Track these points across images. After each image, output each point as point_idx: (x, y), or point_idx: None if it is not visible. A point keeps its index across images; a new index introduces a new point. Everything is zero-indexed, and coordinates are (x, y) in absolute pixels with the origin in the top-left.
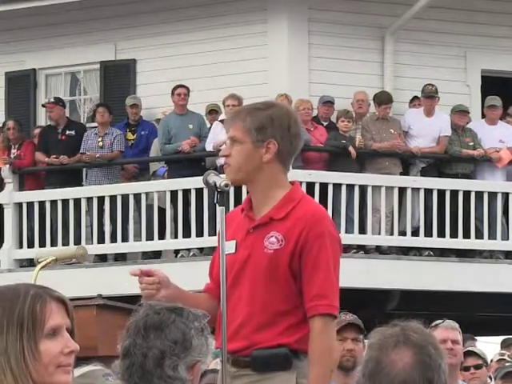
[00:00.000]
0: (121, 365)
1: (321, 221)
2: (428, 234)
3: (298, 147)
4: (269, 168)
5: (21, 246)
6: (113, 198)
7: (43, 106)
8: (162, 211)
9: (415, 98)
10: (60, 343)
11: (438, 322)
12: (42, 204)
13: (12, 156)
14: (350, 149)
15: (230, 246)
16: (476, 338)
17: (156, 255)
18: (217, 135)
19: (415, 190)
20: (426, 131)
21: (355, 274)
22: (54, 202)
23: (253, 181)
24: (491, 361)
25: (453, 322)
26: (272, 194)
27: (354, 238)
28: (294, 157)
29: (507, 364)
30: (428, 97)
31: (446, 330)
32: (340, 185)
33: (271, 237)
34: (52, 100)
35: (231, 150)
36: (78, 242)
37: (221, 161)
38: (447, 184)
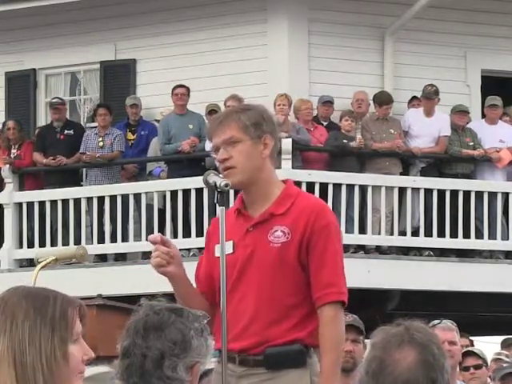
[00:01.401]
0: (120, 365)
1: (324, 212)
2: (428, 234)
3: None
4: (266, 165)
5: (21, 246)
6: (113, 198)
7: (52, 107)
8: (162, 211)
9: (414, 98)
10: (81, 350)
11: (435, 322)
12: (42, 204)
13: (12, 156)
14: (353, 143)
15: (226, 247)
16: (473, 337)
17: None
18: None
19: (415, 190)
20: (425, 131)
21: (355, 273)
22: (54, 202)
23: (254, 180)
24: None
25: (450, 322)
26: (269, 191)
27: (354, 238)
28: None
29: (505, 365)
30: (428, 97)
31: (443, 331)
32: (340, 185)
33: (276, 231)
34: (60, 101)
35: (231, 152)
36: (78, 242)
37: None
38: (447, 184)
